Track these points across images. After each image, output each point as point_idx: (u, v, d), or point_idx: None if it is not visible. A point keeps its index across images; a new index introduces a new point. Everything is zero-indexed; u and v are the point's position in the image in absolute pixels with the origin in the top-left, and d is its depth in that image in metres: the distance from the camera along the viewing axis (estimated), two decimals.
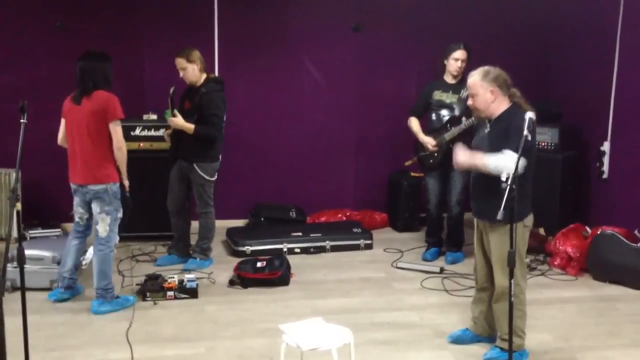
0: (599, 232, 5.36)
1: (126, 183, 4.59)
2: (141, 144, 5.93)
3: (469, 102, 3.82)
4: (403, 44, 6.66)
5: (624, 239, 5.18)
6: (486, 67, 3.78)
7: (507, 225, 3.48)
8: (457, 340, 4.15)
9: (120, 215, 4.55)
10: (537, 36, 6.63)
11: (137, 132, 5.93)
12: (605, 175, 5.96)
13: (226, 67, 6.34)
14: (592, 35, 6.16)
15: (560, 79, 6.71)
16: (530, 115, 3.42)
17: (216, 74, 6.16)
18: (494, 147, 3.71)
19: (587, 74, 6.20)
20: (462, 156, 3.76)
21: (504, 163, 3.50)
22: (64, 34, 6.06)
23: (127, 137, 5.85)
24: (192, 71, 5.17)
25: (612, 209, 5.84)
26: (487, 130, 3.83)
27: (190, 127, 5.14)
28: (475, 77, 3.75)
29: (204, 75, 5.25)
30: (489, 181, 3.65)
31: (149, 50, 6.31)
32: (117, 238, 4.60)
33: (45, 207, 6.15)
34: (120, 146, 4.46)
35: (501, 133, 3.72)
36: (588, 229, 5.60)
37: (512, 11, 6.65)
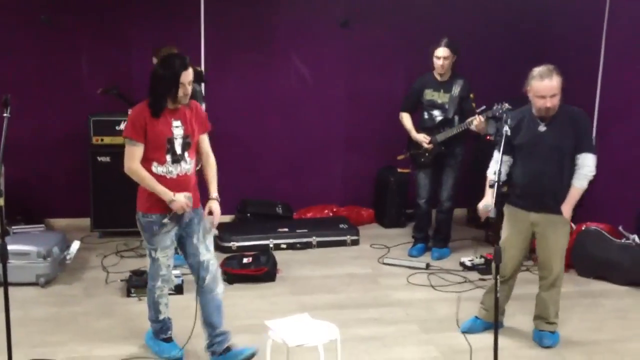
0: (583, 228, 5.39)
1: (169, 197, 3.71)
2: None
3: (548, 104, 3.80)
4: (392, 40, 6.64)
5: (609, 235, 5.22)
6: (550, 66, 3.83)
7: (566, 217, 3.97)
8: (469, 330, 4.19)
9: (154, 254, 3.76)
10: (524, 38, 6.60)
11: (122, 126, 5.87)
12: None
13: (213, 62, 6.30)
14: (577, 37, 6.18)
15: None
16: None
17: (202, 69, 6.12)
18: (559, 147, 3.86)
19: (572, 75, 6.17)
20: (568, 213, 4.00)
21: (590, 174, 3.85)
22: (49, 28, 5.99)
23: (113, 131, 5.82)
24: None
25: (596, 205, 5.87)
26: (542, 128, 3.89)
27: None
28: (556, 79, 3.79)
29: None
30: (552, 176, 3.87)
31: (135, 44, 6.25)
32: (160, 278, 3.83)
33: (29, 202, 6.10)
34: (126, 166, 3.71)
35: (564, 131, 3.85)
36: (573, 225, 5.62)
37: (499, 12, 6.60)
